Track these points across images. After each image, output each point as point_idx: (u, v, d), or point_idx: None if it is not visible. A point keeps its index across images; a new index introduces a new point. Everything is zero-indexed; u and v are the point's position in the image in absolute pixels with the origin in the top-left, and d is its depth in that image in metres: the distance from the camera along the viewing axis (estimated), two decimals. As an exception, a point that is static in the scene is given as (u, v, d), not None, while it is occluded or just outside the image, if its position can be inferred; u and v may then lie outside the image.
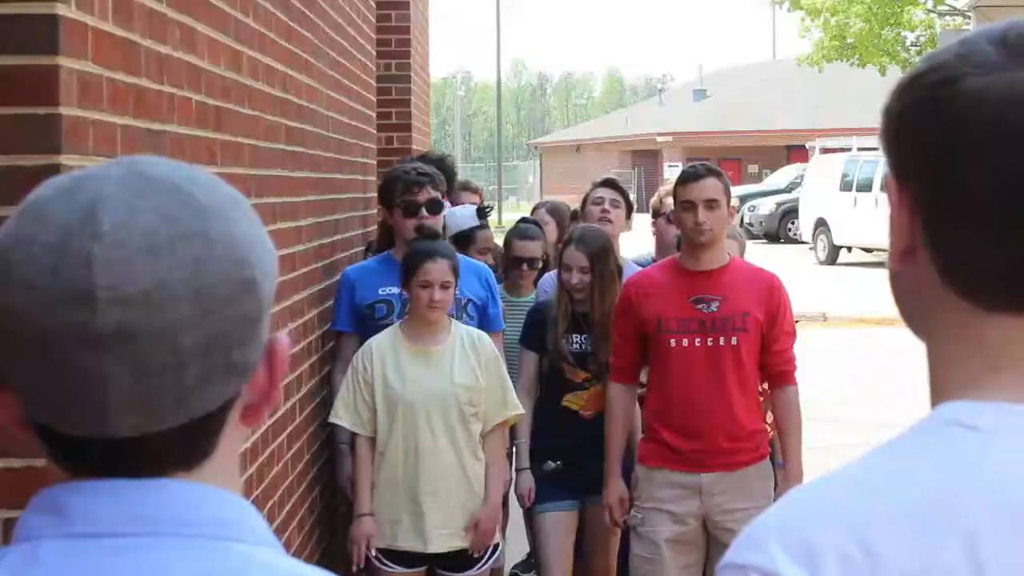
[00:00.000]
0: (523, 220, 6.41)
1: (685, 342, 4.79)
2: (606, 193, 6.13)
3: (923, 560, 1.03)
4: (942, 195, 1.11)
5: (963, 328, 1.12)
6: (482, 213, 6.21)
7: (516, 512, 5.78)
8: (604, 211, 6.03)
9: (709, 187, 4.82)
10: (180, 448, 1.11)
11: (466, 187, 7.26)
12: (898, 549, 1.03)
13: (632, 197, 6.49)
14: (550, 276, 5.83)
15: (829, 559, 1.04)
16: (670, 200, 5.93)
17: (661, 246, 6.05)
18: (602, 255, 5.29)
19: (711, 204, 4.79)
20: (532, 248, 6.01)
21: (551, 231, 6.45)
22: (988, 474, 1.05)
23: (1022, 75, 1.07)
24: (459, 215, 6.14)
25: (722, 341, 4.78)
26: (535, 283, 6.05)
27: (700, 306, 4.81)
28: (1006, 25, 1.12)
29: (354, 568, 4.90)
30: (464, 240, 5.93)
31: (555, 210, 6.81)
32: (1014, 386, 1.10)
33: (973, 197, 1.08)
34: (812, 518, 1.07)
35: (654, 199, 6.22)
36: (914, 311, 1.18)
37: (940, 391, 1.14)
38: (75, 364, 1.05)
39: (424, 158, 6.17)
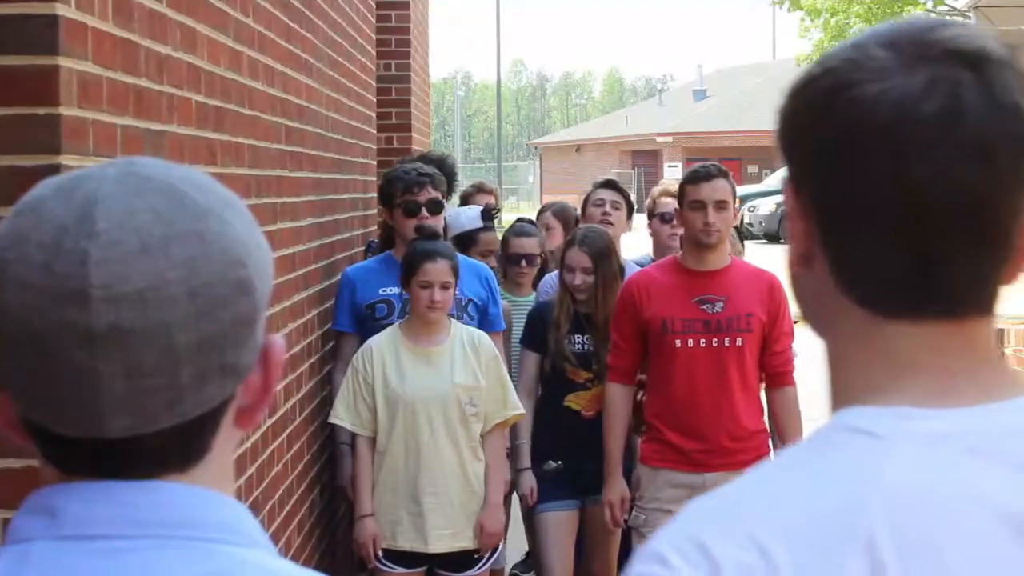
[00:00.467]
0: (520, 219, 6.39)
1: (690, 343, 4.78)
2: (607, 195, 6.13)
3: (825, 570, 1.01)
4: (836, 202, 1.09)
5: (862, 335, 1.11)
6: (487, 215, 6.16)
7: (516, 512, 5.78)
8: (605, 213, 6.03)
9: (720, 188, 4.80)
10: (174, 450, 1.11)
11: (481, 188, 7.22)
12: (799, 559, 1.02)
13: (632, 197, 6.47)
14: (551, 277, 5.81)
15: (729, 569, 1.02)
16: (663, 200, 5.93)
17: (658, 246, 6.05)
18: (605, 256, 5.28)
19: (721, 205, 4.78)
20: (529, 244, 6.00)
21: (557, 233, 6.41)
22: (888, 482, 1.03)
23: (915, 80, 1.05)
24: (463, 216, 6.12)
25: (727, 342, 4.77)
26: (535, 284, 6.04)
27: (704, 306, 4.79)
28: (896, 28, 1.09)
29: (370, 566, 4.89)
30: (466, 241, 5.91)
31: (562, 212, 6.79)
32: (914, 390, 1.09)
33: (866, 204, 1.06)
34: (712, 528, 1.06)
35: (648, 200, 6.21)
36: (815, 315, 1.16)
37: (841, 396, 1.13)
38: (69, 363, 1.05)
39: (424, 158, 6.15)
